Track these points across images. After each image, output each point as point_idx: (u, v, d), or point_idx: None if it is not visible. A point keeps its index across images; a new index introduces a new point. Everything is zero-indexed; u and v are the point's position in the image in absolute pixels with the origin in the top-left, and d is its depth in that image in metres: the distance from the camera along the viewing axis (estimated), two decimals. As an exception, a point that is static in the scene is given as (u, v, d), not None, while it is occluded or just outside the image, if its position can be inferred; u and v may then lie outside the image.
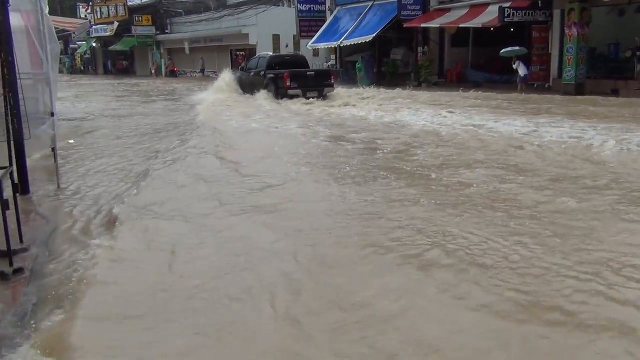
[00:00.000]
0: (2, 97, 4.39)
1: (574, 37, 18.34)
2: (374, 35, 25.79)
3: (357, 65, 27.03)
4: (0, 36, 4.57)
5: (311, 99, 18.90)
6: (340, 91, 20.51)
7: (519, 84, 20.47)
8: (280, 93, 19.35)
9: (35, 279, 3.96)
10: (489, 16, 21.25)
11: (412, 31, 25.69)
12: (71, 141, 11.36)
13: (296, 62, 21.81)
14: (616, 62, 19.68)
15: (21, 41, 7.36)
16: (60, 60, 58.65)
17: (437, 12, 24.65)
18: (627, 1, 18.25)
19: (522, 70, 20.49)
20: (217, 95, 20.92)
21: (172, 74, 45.84)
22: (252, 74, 21.66)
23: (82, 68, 58.30)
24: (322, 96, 19.49)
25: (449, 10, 24.09)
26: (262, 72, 20.61)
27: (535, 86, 20.78)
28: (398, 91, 21.48)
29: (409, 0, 25.06)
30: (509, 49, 20.53)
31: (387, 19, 26.09)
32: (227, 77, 23.73)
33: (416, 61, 26.12)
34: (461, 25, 22.75)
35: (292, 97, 19.09)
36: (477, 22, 21.84)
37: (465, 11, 23.08)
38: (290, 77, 19.29)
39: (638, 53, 18.22)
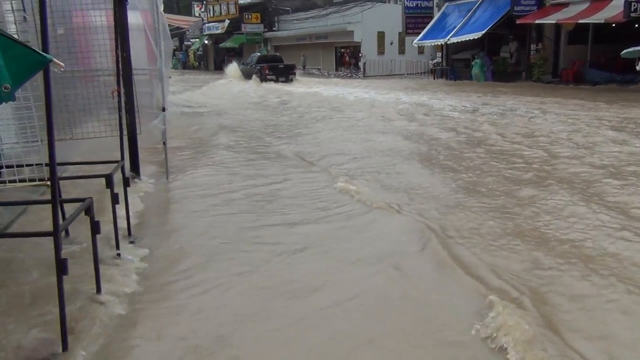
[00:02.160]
0: (117, 92, 4.47)
1: None
2: (483, 31, 24.78)
3: (473, 63, 26.00)
4: (116, 33, 4.64)
5: (280, 82, 30.15)
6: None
7: None
8: (262, 78, 30.92)
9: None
10: (613, 11, 19.71)
11: (525, 27, 24.44)
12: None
13: (275, 59, 33.77)
14: None
15: (139, 38, 7.68)
16: (176, 56, 62.09)
17: (554, 7, 23.23)
18: None
19: None
20: (231, 79, 33.44)
21: None
22: (248, 66, 34.13)
23: (195, 64, 61.02)
24: (288, 81, 30.83)
25: (566, 4, 22.62)
26: (254, 65, 33.05)
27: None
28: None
29: (522, -6, 23.86)
30: (632, 48, 18.85)
31: (498, 14, 24.97)
32: (234, 68, 36.87)
33: (528, 59, 24.84)
34: (580, 21, 21.26)
35: (269, 80, 30.52)
36: (599, 17, 20.32)
37: (585, 6, 21.55)
38: (268, 69, 31.41)
39: None
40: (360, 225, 5.26)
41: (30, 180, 3.17)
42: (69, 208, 3.75)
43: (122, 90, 5.46)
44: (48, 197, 4.59)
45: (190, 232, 5.01)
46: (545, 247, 4.53)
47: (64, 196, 4.39)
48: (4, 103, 2.46)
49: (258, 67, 32.05)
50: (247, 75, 33.11)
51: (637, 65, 18.85)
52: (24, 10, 3.03)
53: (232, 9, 49.56)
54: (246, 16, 48.12)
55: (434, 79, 30.14)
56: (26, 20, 3.08)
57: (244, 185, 6.98)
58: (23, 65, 2.34)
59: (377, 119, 13.74)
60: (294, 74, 32.06)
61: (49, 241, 2.79)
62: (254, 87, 27.37)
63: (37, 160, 3.12)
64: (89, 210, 3.25)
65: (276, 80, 30.45)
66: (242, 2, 50.13)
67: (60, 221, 2.97)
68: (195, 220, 5.38)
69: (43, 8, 2.65)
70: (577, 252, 4.41)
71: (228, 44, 51.79)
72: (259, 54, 36.28)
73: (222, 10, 50.92)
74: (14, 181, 3.45)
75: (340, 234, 5.03)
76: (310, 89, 25.19)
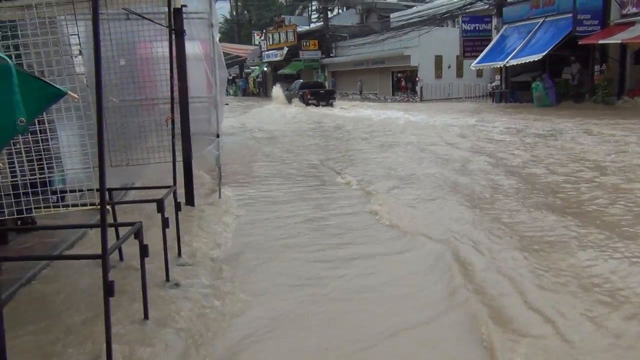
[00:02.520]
0: (170, 119, 4.65)
1: None
2: (544, 53, 24.19)
3: (533, 85, 25.43)
4: (171, 62, 4.83)
5: (321, 106, 32.99)
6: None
7: None
8: (305, 102, 33.88)
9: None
10: (682, 29, 18.92)
11: (588, 48, 23.73)
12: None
13: (316, 85, 37.05)
14: None
15: (198, 67, 7.96)
16: (236, 84, 63.76)
17: (618, 26, 22.47)
18: None
19: None
20: (276, 103, 36.52)
21: None
22: (292, 92, 37.14)
23: (255, 91, 62.46)
24: (328, 105, 33.55)
25: (632, 24, 21.84)
26: (297, 91, 35.92)
27: None
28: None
29: (585, 14, 23.21)
30: None
31: (559, 35, 24.36)
32: (279, 93, 39.68)
33: (592, 80, 24.04)
34: (647, 41, 20.51)
35: (310, 104, 33.41)
36: (667, 36, 19.55)
37: (652, 24, 20.79)
38: (310, 94, 34.31)
39: None
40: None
41: (82, 205, 3.30)
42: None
43: (176, 118, 5.67)
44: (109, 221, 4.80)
45: (240, 259, 5.06)
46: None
47: (127, 219, 4.53)
48: (71, 130, 2.64)
49: (301, 93, 35.15)
50: (290, 100, 36.58)
51: None
52: (80, 44, 3.20)
53: (291, 37, 50.55)
54: (304, 43, 48.98)
55: (493, 102, 29.61)
56: (81, 54, 3.26)
57: (295, 209, 7.04)
58: (39, 99, 2.42)
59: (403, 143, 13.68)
60: (334, 98, 35.27)
61: (128, 264, 2.89)
62: (298, 111, 30.03)
63: (89, 186, 3.26)
64: (138, 234, 3.36)
65: (317, 104, 33.44)
66: (300, 30, 51.12)
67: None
68: (244, 248, 5.42)
69: (97, 42, 2.79)
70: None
71: (286, 70, 52.76)
72: (301, 80, 40.06)
73: (281, 38, 52.05)
74: (76, 205, 3.62)
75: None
76: (349, 113, 27.34)
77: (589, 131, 14.49)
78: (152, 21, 5.56)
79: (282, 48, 51.44)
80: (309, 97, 34.06)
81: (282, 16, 55.73)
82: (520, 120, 18.80)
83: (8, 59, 1.80)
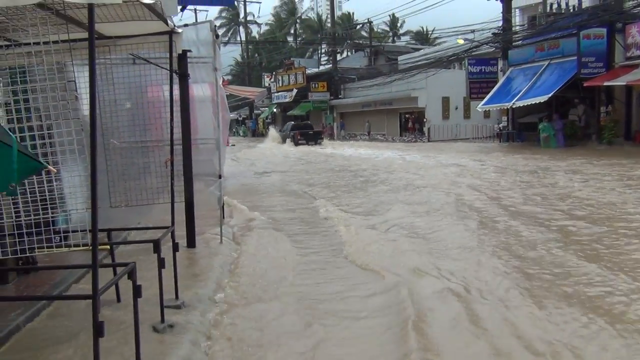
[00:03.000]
0: (170, 161, 4.73)
1: None
2: (550, 95, 24.38)
3: (540, 127, 25.52)
4: (171, 105, 4.95)
5: (310, 145, 36.94)
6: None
7: None
8: (296, 142, 37.76)
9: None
10: (686, 71, 19.04)
11: (594, 90, 23.91)
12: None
13: (306, 127, 40.74)
14: None
15: (206, 109, 8.12)
16: (245, 125, 64.55)
17: (623, 68, 22.70)
18: None
19: None
20: (271, 142, 40.12)
21: (330, 136, 48.62)
22: (284, 132, 41.94)
23: (264, 131, 63.15)
24: (316, 144, 37.53)
25: (637, 66, 22.05)
26: (289, 132, 40.14)
27: None
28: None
29: (589, 57, 23.49)
30: None
31: (565, 77, 24.58)
32: (274, 133, 44.85)
33: (598, 122, 24.13)
34: (652, 82, 20.66)
35: (300, 144, 37.32)
36: (672, 78, 19.68)
37: (656, 67, 20.95)
38: (300, 134, 38.29)
39: None
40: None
41: (84, 245, 3.36)
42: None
43: (178, 159, 5.76)
44: (108, 260, 4.85)
45: (235, 303, 5.05)
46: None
47: (132, 260, 4.54)
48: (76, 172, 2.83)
49: (292, 133, 39.24)
50: (283, 140, 41.00)
51: None
52: (76, 89, 3.31)
53: (300, 79, 51.38)
54: (313, 85, 49.73)
55: (500, 142, 29.71)
56: (77, 99, 3.36)
57: (294, 250, 7.05)
58: (26, 168, 2.83)
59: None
60: (322, 138, 39.80)
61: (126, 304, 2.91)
62: (289, 149, 33.73)
63: (82, 227, 3.31)
64: (132, 275, 3.39)
65: (306, 144, 37.69)
66: (309, 72, 51.97)
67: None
68: (241, 291, 5.41)
69: (92, 86, 2.89)
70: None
71: (296, 111, 53.42)
72: (292, 122, 44.42)
73: (291, 80, 52.91)
74: (77, 245, 3.67)
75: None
76: (338, 150, 30.78)
77: (580, 171, 14.53)
78: (158, 65, 5.72)
79: (291, 90, 52.23)
80: (299, 137, 38.22)
81: (292, 59, 56.78)
82: (524, 161, 18.84)
83: (11, 134, 2.12)
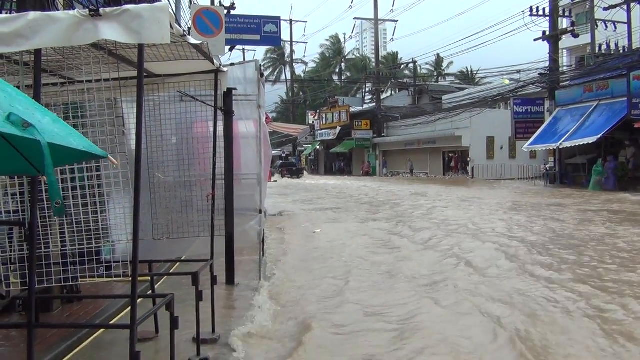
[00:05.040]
0: (212, 195, 4.84)
1: None
2: (599, 136, 23.83)
3: (595, 168, 24.85)
4: (215, 141, 5.09)
5: (294, 178, 46.74)
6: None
7: None
8: (283, 175, 48.06)
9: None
10: None
11: (645, 131, 23.29)
12: (317, 230, 12.75)
13: (290, 164, 52.11)
14: None
15: (250, 145, 8.31)
16: (289, 161, 65.39)
17: (676, 109, 22.08)
18: None
19: None
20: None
21: (367, 174, 49.74)
22: (275, 169, 46.27)
23: (307, 168, 63.73)
24: (298, 178, 47.64)
25: (690, 107, 21.44)
26: (278, 167, 48.96)
27: None
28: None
29: (640, 98, 22.95)
30: None
31: (615, 118, 24.03)
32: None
33: (650, 164, 23.39)
34: None
35: (285, 176, 47.17)
36: None
37: None
38: (286, 170, 49.56)
39: None
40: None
41: (116, 275, 3.45)
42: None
43: (221, 193, 5.88)
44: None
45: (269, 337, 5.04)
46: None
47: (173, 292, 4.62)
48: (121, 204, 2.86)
49: (280, 169, 49.42)
50: (274, 174, 45.27)
51: None
52: (124, 125, 3.45)
53: (344, 117, 51.89)
54: (356, 123, 50.11)
55: (547, 184, 29.05)
56: (124, 134, 3.51)
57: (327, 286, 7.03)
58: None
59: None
60: (303, 174, 50.82)
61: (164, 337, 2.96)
62: (280, 180, 41.70)
63: (124, 258, 3.41)
64: (169, 306, 3.45)
65: (290, 177, 48.05)
66: (353, 110, 52.47)
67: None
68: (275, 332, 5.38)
69: (139, 122, 3.02)
70: None
71: (338, 149, 53.78)
72: (281, 161, 52.77)
73: (335, 118, 53.49)
74: (118, 275, 3.77)
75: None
76: (313, 181, 40.25)
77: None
78: (204, 102, 5.91)
79: (335, 127, 52.72)
80: (285, 172, 49.10)
81: (336, 97, 57.49)
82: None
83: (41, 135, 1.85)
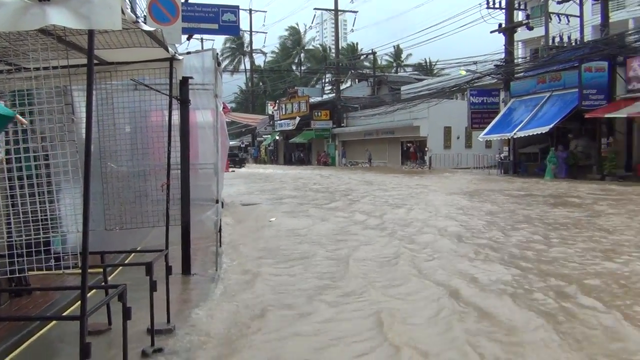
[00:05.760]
0: (166, 185, 4.78)
1: None
2: (551, 126, 24.58)
3: (550, 158, 25.56)
4: (169, 130, 5.02)
5: (236, 167, 44.95)
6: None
7: None
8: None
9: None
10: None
11: (595, 121, 24.06)
12: (273, 219, 12.68)
13: (233, 155, 47.65)
14: None
15: (208, 134, 8.21)
16: (248, 151, 65.01)
17: (625, 101, 22.88)
18: None
19: None
20: None
21: (324, 164, 50.08)
22: None
23: (266, 158, 63.50)
24: (240, 167, 46.79)
25: (638, 99, 22.22)
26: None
27: None
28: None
29: (591, 90, 23.70)
30: None
31: (566, 109, 24.79)
32: None
33: (599, 153, 24.21)
34: (653, 115, 20.80)
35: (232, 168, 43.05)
36: (674, 110, 19.82)
37: (657, 99, 21.11)
38: (229, 160, 46.98)
39: None
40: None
41: (67, 267, 3.38)
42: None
43: (177, 184, 5.81)
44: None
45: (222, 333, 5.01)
46: None
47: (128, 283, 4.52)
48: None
49: None
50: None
51: None
52: (73, 113, 3.37)
53: (304, 107, 51.85)
54: (316, 113, 50.16)
55: (501, 173, 29.73)
56: (74, 122, 3.42)
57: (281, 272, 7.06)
58: None
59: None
60: (244, 164, 51.48)
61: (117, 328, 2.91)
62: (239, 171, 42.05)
63: (75, 249, 3.33)
64: (122, 297, 3.40)
65: (233, 167, 46.38)
66: (313, 100, 52.47)
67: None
68: (229, 323, 5.35)
69: (89, 111, 2.95)
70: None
71: (298, 139, 53.76)
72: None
73: (294, 108, 53.39)
74: (67, 267, 3.69)
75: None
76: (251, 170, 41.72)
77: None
78: (159, 91, 5.81)
79: (294, 118, 52.65)
80: (228, 162, 47.69)
81: (296, 87, 57.37)
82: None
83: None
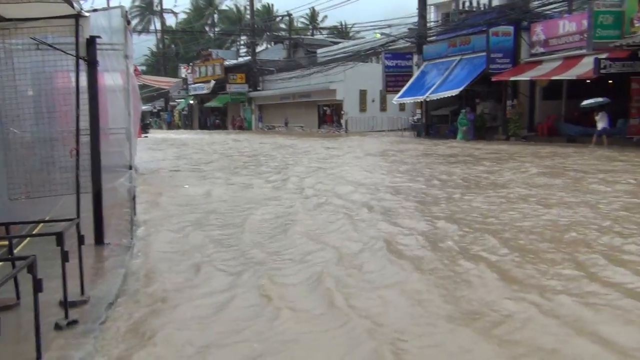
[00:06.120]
0: (75, 151, 4.54)
1: (678, 87, 17.12)
2: (460, 89, 25.48)
3: (461, 120, 26.35)
4: (77, 93, 4.74)
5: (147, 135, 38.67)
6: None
7: (594, 137, 19.55)
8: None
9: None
10: (584, 68, 20.40)
11: (501, 84, 25.16)
12: (186, 186, 12.50)
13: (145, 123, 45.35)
14: None
15: (118, 98, 7.82)
16: (160, 117, 62.97)
17: (528, 64, 24.02)
18: None
19: (602, 123, 19.61)
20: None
21: (240, 128, 49.92)
22: None
23: (180, 124, 61.72)
24: (147, 133, 39.08)
25: (540, 62, 23.41)
26: None
27: (635, 139, 19.50)
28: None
29: (497, 53, 24.65)
30: (591, 100, 19.76)
31: (474, 72, 25.74)
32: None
33: (505, 114, 25.43)
34: (553, 78, 21.99)
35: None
36: (571, 74, 21.03)
37: (558, 63, 22.31)
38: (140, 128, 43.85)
39: None
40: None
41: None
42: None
43: (87, 150, 5.54)
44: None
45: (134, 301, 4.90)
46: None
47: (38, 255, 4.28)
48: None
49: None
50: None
51: (596, 115, 19.72)
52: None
53: (218, 70, 50.66)
54: (231, 77, 49.15)
55: (415, 135, 30.60)
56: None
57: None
58: None
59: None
60: (149, 130, 46.17)
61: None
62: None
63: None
64: (32, 269, 3.22)
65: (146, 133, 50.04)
66: (228, 63, 51.30)
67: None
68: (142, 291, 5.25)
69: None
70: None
71: (213, 103, 52.63)
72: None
73: (208, 71, 52.04)
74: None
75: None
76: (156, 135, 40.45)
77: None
78: (63, 51, 5.45)
79: (209, 81, 51.39)
80: (141, 130, 49.45)
81: (210, 50, 55.80)
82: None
83: None
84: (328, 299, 4.70)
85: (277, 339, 3.95)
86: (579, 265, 5.50)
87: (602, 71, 19.23)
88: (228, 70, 49.97)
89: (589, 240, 6.45)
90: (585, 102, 20.08)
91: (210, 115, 57.05)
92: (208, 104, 53.81)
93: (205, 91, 52.43)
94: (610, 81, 21.12)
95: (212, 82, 50.81)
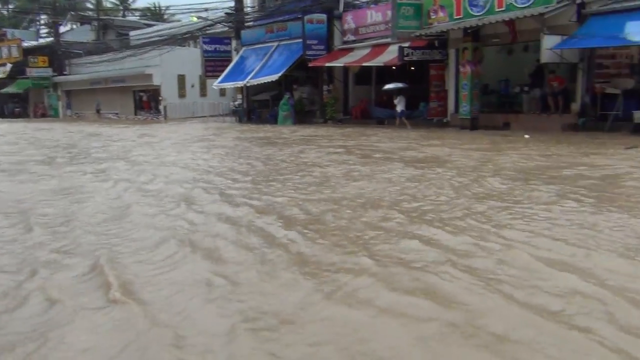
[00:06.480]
0: None
1: (468, 74, 19.24)
2: (279, 74, 26.04)
3: (282, 105, 26.71)
4: None
5: None
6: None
7: (397, 119, 21.67)
8: None
9: None
10: (390, 55, 22.06)
11: (318, 70, 26.20)
12: None
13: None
14: (507, 97, 20.88)
15: None
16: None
17: (341, 51, 25.30)
18: (509, 41, 19.45)
19: (400, 106, 21.93)
20: None
21: (43, 116, 46.33)
22: None
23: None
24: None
25: (351, 49, 24.80)
26: None
27: (435, 121, 21.65)
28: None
29: (313, 40, 25.58)
30: (392, 85, 21.79)
31: (292, 58, 26.45)
32: None
33: (322, 99, 26.58)
34: (363, 64, 23.46)
35: None
36: (378, 60, 22.60)
37: (367, 51, 23.84)
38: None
39: (525, 88, 19.50)
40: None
41: None
42: None
43: None
44: None
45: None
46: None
47: None
48: None
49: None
50: None
51: (395, 100, 21.91)
52: None
53: (15, 52, 45.73)
54: (32, 60, 44.64)
55: (237, 120, 30.65)
56: None
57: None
58: None
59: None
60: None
61: None
62: None
63: None
64: None
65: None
66: (26, 45, 46.48)
67: None
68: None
69: None
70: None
71: (11, 89, 47.39)
72: None
73: (4, 53, 46.68)
74: None
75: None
76: None
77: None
78: None
79: (4, 64, 46.10)
80: None
81: (4, 29, 49.98)
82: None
83: None
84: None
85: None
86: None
87: (406, 58, 20.97)
88: (27, 52, 45.29)
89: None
90: (386, 87, 22.12)
91: (9, 103, 51.25)
92: (5, 90, 48.25)
93: (1, 75, 46.93)
94: (412, 68, 23.18)
95: (9, 66, 45.69)
